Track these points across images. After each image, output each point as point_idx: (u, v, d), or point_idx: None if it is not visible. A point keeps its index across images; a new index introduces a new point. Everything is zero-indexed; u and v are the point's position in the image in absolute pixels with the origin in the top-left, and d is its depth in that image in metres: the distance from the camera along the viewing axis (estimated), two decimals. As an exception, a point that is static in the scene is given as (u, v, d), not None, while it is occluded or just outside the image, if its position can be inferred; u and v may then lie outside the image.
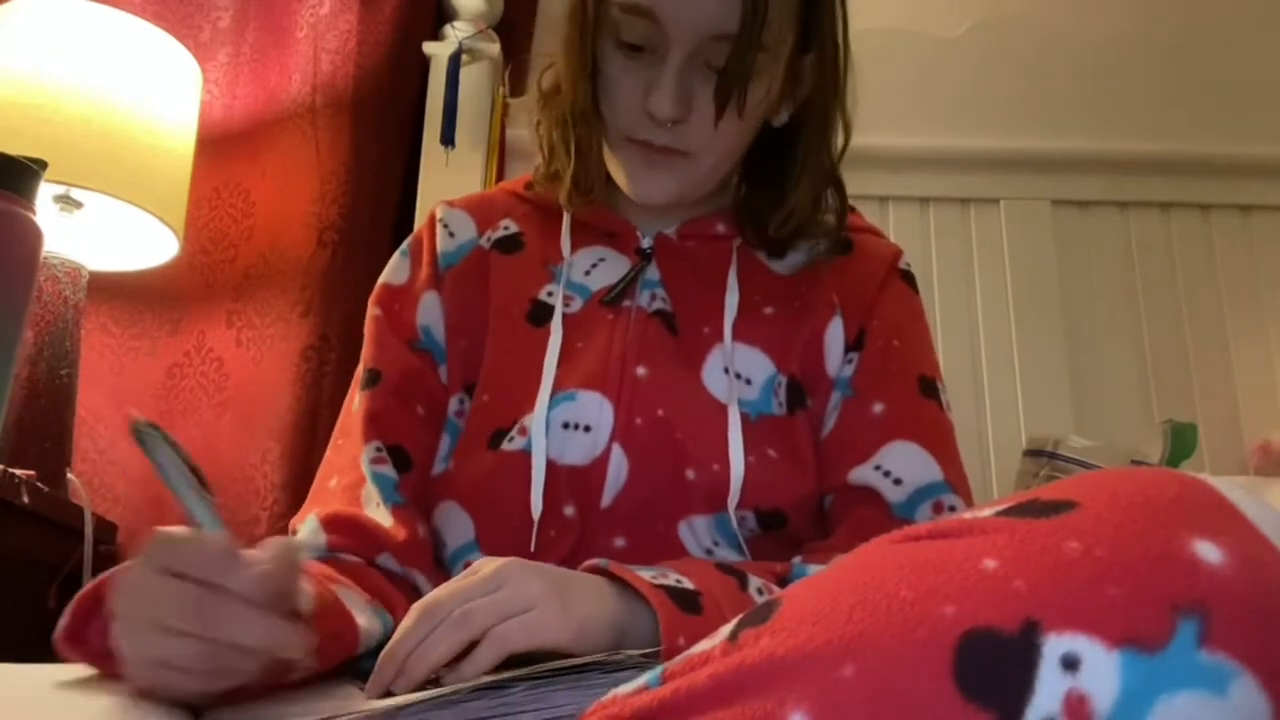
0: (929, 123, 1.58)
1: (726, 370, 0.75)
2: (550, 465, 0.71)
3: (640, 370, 0.74)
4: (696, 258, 0.82)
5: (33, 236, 0.84)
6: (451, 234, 0.85)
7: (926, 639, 0.34)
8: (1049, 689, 0.32)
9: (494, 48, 1.50)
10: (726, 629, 0.40)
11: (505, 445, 0.73)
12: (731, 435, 0.72)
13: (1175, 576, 0.33)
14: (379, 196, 1.45)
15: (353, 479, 0.74)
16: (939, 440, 0.76)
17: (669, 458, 0.72)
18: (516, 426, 0.73)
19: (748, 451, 0.72)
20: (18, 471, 1.10)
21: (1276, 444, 1.42)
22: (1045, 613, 0.33)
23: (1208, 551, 0.33)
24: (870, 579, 0.38)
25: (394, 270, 0.84)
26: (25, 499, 1.09)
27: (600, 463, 0.72)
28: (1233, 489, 0.37)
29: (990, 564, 0.35)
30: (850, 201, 0.84)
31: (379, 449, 0.75)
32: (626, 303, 0.78)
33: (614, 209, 0.83)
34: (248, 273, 1.42)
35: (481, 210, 0.87)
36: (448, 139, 1.42)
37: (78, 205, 1.24)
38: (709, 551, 0.72)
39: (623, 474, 0.72)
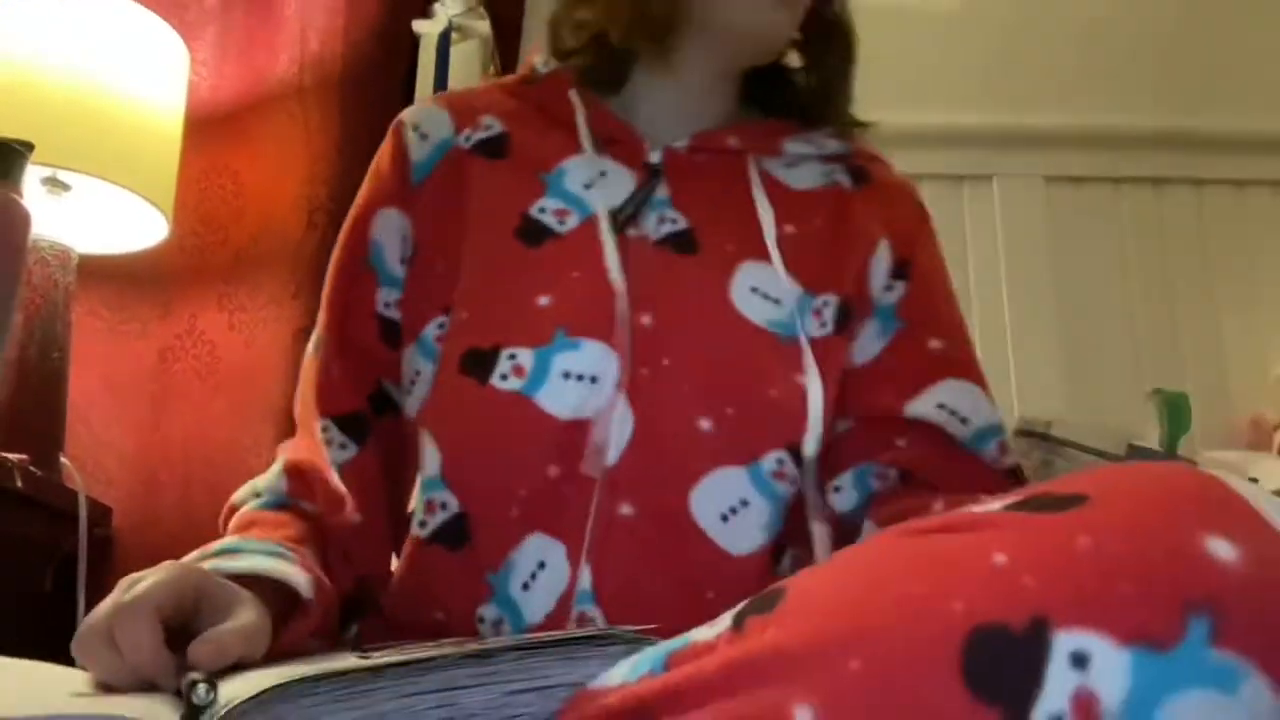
0: (922, 99, 1.57)
1: (754, 290, 0.71)
2: (546, 419, 0.65)
3: (645, 319, 0.68)
4: (709, 174, 0.76)
5: (21, 219, 0.83)
6: (424, 135, 0.77)
7: (935, 634, 0.34)
8: (1057, 686, 0.32)
9: (484, 25, 1.49)
10: (728, 616, 0.40)
11: (498, 383, 0.66)
12: (806, 360, 0.68)
13: (1187, 574, 0.33)
14: (370, 177, 1.44)
15: (315, 430, 0.73)
16: (987, 387, 0.74)
17: (679, 411, 0.66)
18: (509, 363, 0.67)
19: (778, 379, 0.67)
20: (10, 456, 1.09)
21: (1268, 418, 1.42)
22: (1055, 609, 0.33)
23: (1221, 549, 0.33)
24: (879, 572, 0.37)
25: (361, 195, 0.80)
26: (18, 483, 1.09)
27: (604, 418, 0.65)
28: (1246, 485, 0.36)
29: (1000, 559, 0.35)
30: None
31: (325, 428, 0.73)
32: (632, 231, 0.72)
33: (620, 114, 0.77)
34: (238, 255, 1.41)
35: (461, 105, 0.79)
36: (438, 118, 1.41)
37: (65, 187, 1.23)
38: (733, 511, 0.65)
39: (627, 431, 0.65)
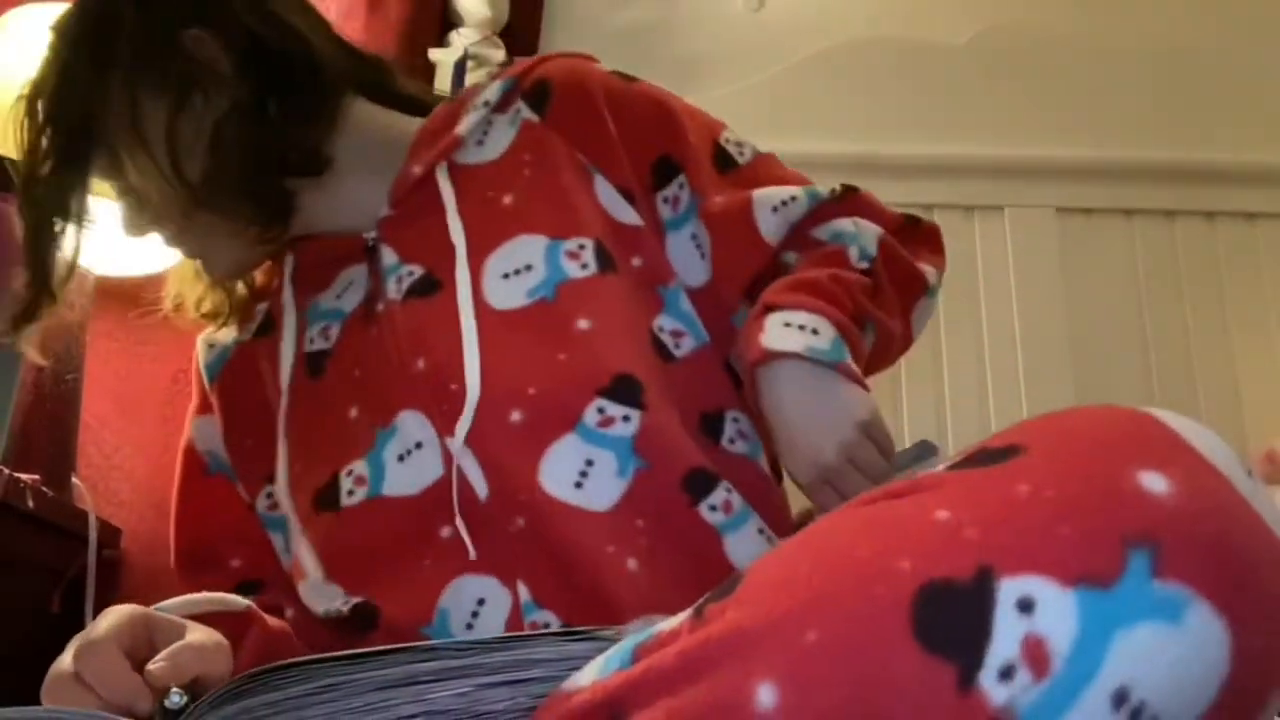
0: (933, 130, 1.58)
1: (505, 275, 0.73)
2: (405, 502, 0.69)
3: (420, 363, 0.71)
4: (418, 213, 0.77)
5: (39, 241, 0.84)
6: (211, 345, 0.86)
7: (884, 596, 0.34)
8: (1007, 634, 0.32)
9: (499, 54, 1.51)
10: (691, 607, 0.40)
11: (347, 500, 0.70)
12: (575, 306, 0.70)
13: (1123, 510, 0.33)
14: (384, 202, 1.45)
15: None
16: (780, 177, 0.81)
17: (492, 419, 0.68)
18: (349, 481, 0.70)
19: (560, 340, 0.69)
20: (22, 476, 1.10)
21: (1282, 452, 1.41)
22: (998, 557, 0.33)
23: (1154, 483, 0.33)
24: (828, 543, 0.38)
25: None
26: (30, 503, 1.09)
27: (450, 469, 0.68)
28: (1179, 420, 0.37)
29: (943, 515, 0.35)
30: None
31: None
32: (380, 305, 0.75)
33: (329, 234, 0.81)
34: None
35: (243, 313, 0.86)
36: (453, 145, 1.42)
37: (84, 211, 1.24)
38: (583, 474, 0.66)
39: (473, 463, 0.68)
